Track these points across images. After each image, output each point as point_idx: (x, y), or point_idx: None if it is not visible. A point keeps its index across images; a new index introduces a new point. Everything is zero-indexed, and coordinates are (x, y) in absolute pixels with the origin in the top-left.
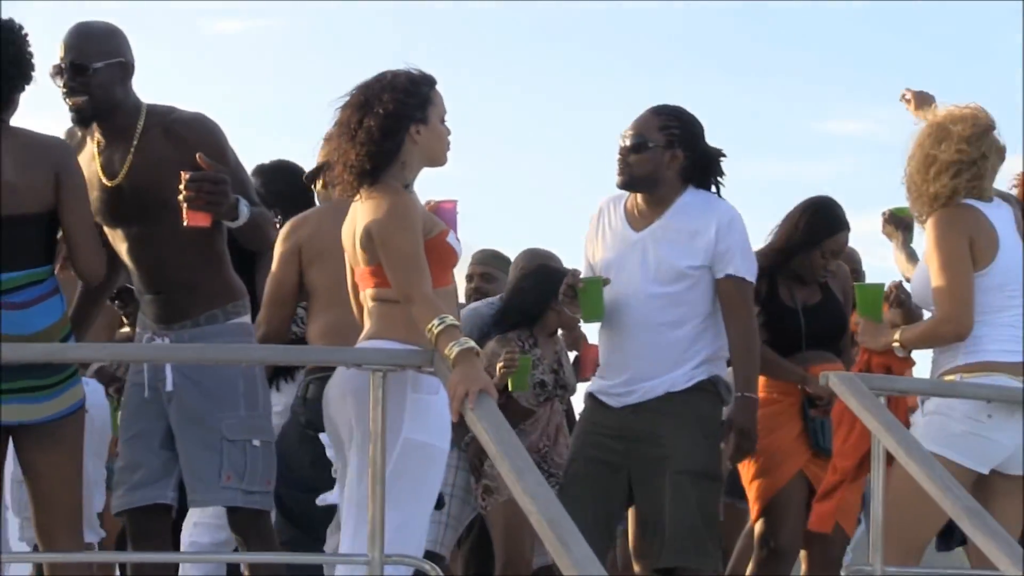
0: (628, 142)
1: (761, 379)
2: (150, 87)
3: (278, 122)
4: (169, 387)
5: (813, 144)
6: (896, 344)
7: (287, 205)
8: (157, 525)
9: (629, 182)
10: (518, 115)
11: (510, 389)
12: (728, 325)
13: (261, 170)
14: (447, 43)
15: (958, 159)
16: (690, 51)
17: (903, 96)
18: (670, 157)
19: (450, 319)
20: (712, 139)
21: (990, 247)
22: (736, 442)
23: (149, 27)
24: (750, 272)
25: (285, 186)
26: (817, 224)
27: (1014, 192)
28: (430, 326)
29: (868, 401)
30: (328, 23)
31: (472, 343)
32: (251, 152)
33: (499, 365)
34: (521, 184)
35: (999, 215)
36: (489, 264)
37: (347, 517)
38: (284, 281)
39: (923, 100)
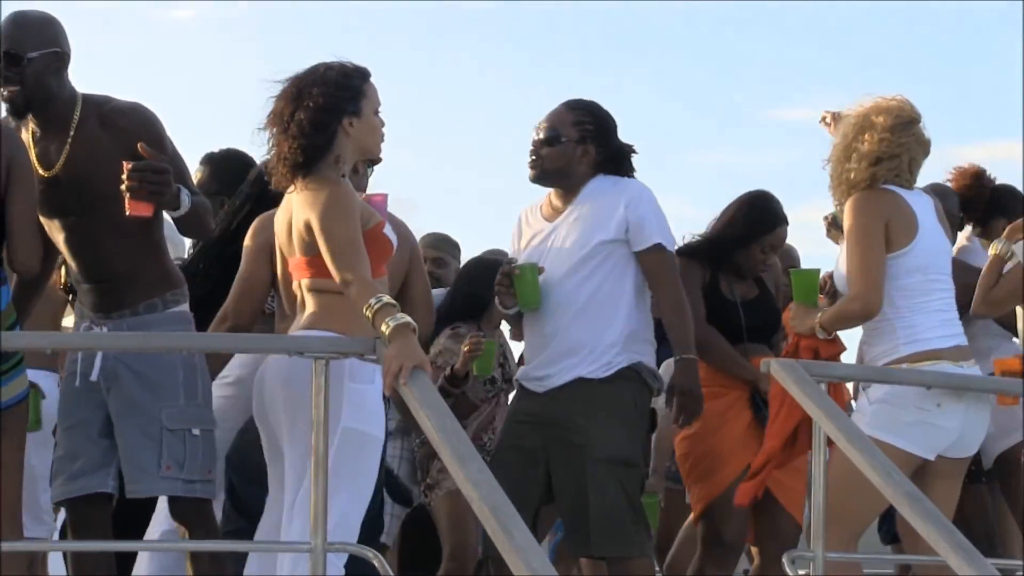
0: (541, 135)
1: (706, 370)
2: (102, 74)
3: (231, 110)
4: (94, 377)
5: (763, 132)
6: (818, 326)
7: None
8: (97, 514)
9: (540, 175)
10: (480, 107)
11: (475, 372)
12: (657, 295)
13: (211, 158)
14: (403, 31)
15: (878, 149)
16: (642, 42)
17: (823, 119)
18: (582, 152)
19: (387, 298)
20: (662, 128)
21: (908, 229)
22: (679, 403)
23: (102, 14)
24: (668, 241)
25: (234, 175)
26: (756, 219)
27: (950, 184)
28: (367, 305)
29: (808, 387)
30: (282, 9)
31: (408, 318)
32: (203, 140)
33: (464, 349)
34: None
35: (919, 201)
36: (440, 248)
37: (287, 506)
38: (255, 277)
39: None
